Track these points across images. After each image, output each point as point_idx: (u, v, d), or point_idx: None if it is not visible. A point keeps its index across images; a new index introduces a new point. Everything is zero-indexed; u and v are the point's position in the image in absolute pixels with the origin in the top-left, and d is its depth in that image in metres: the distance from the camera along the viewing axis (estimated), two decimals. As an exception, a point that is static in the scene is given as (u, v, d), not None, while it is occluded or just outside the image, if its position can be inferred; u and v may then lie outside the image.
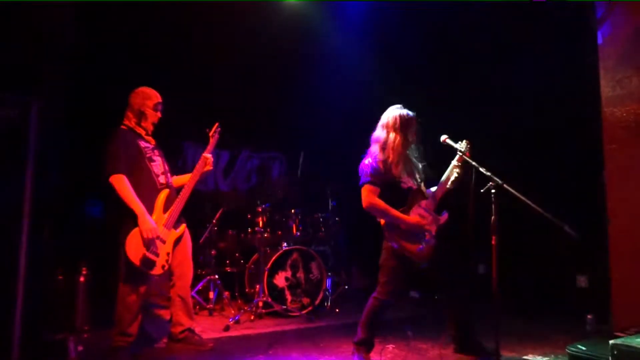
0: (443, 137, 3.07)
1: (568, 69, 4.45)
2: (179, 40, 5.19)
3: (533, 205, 2.67)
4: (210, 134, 3.54)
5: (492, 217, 2.77)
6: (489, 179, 2.77)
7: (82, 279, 3.45)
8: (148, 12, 4.74)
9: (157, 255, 3.03)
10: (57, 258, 3.57)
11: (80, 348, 3.14)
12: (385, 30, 5.60)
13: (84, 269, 3.48)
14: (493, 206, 2.76)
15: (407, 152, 3.01)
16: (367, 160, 2.96)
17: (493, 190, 2.76)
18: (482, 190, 2.77)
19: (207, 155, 3.44)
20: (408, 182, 2.95)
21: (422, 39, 5.45)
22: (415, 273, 2.95)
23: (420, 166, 3.10)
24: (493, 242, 2.77)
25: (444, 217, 3.01)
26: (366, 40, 5.68)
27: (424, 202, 2.96)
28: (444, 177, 3.05)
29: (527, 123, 4.92)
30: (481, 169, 2.84)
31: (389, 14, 5.38)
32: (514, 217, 3.65)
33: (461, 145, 3.02)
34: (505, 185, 2.74)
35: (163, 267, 3.06)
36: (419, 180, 3.05)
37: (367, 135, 3.14)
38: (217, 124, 3.56)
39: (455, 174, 3.01)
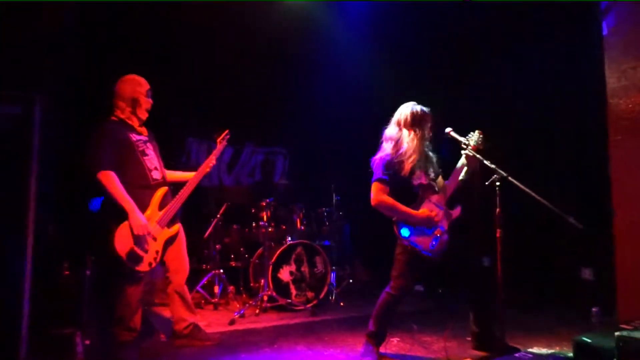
0: (447, 130, 3.05)
1: (573, 59, 4.41)
2: (183, 37, 5.19)
3: (538, 197, 2.67)
4: (219, 140, 3.50)
5: (497, 210, 2.77)
6: (493, 171, 2.77)
7: (88, 273, 3.46)
8: (150, 9, 4.74)
9: (145, 251, 2.95)
10: (64, 253, 3.59)
11: (87, 342, 3.16)
12: (387, 27, 5.58)
13: (90, 263, 3.49)
14: (497, 199, 2.76)
15: (421, 148, 2.95)
16: (379, 157, 2.93)
17: (498, 183, 2.76)
18: (486, 183, 2.77)
19: (212, 158, 3.37)
20: (419, 179, 2.90)
21: (422, 35, 5.42)
22: (427, 267, 2.92)
23: (435, 161, 3.04)
24: (497, 235, 2.77)
25: (457, 211, 2.98)
26: (370, 35, 5.66)
27: (434, 197, 2.90)
28: (455, 170, 3.02)
29: (531, 115, 4.90)
30: (485, 162, 2.83)
31: (391, 12, 5.36)
32: (519, 210, 3.64)
33: (472, 137, 2.99)
34: (510, 178, 2.73)
35: (150, 264, 2.99)
36: (432, 175, 2.98)
37: (372, 130, 3.11)
38: (226, 131, 3.51)
39: (465, 167, 2.98)
